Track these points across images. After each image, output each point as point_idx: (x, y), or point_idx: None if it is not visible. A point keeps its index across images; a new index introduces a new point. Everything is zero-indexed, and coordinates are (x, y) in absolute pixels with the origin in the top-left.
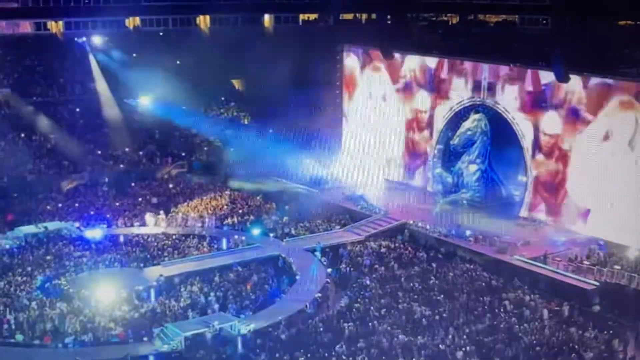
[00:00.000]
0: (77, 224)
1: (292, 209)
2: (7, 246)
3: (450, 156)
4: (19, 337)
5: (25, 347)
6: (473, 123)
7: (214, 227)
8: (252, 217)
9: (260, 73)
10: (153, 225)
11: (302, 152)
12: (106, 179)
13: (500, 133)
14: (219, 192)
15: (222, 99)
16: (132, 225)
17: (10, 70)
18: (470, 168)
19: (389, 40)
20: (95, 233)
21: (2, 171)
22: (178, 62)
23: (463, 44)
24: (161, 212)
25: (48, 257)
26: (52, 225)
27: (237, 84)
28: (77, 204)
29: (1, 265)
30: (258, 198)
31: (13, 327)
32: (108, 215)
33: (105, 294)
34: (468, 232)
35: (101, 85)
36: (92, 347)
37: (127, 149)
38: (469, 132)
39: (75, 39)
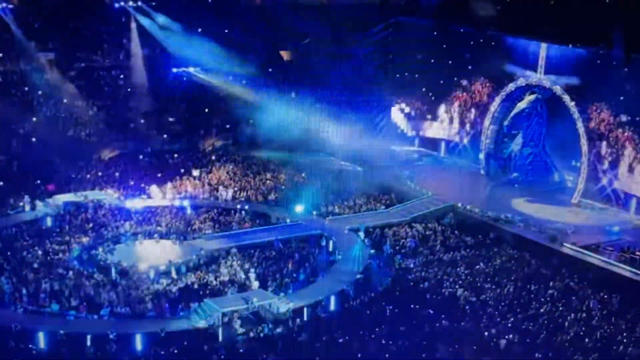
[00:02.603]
0: (116, 194)
1: (336, 187)
2: (46, 214)
3: (503, 137)
4: (55, 307)
5: (60, 317)
6: (528, 104)
7: (256, 202)
8: (295, 194)
9: (310, 44)
10: (159, 197)
11: (349, 127)
12: (149, 149)
13: (555, 115)
14: (262, 166)
15: (270, 70)
16: (173, 197)
17: (55, 34)
18: (523, 151)
19: (444, 12)
20: (135, 203)
21: (44, 137)
22: (226, 30)
23: (519, 20)
24: (168, 183)
25: (86, 227)
26: (92, 195)
27: (285, 55)
28: (117, 174)
29: (39, 233)
30: (302, 175)
31: (49, 296)
32: (149, 186)
33: (143, 266)
34: (518, 218)
35: (145, 52)
36: (128, 320)
37: (170, 119)
38: (524, 113)
39: (122, 3)
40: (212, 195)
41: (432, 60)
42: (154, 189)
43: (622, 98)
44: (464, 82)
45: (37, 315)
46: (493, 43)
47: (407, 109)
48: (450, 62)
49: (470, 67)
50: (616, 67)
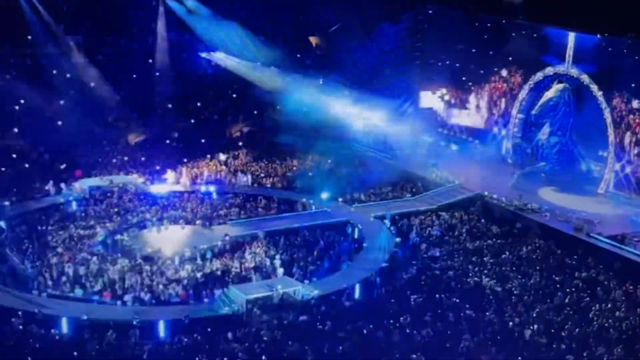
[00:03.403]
0: (142, 179)
1: (362, 174)
2: (71, 198)
3: (530, 126)
4: (79, 292)
5: (84, 302)
6: (556, 93)
7: (282, 188)
8: (320, 181)
9: (338, 30)
10: (172, 182)
11: (376, 114)
12: (175, 134)
13: (582, 104)
14: (288, 152)
15: (298, 56)
16: (198, 183)
17: (83, 17)
18: (550, 140)
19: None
20: (160, 188)
21: (70, 121)
22: (255, 15)
23: (548, 9)
24: (183, 168)
25: (111, 212)
26: (118, 179)
27: (313, 40)
28: (143, 158)
29: (64, 217)
30: (329, 161)
31: (72, 280)
32: (175, 171)
33: (168, 252)
34: (544, 207)
35: (173, 36)
36: (152, 306)
37: (198, 104)
38: (551, 103)
39: None
40: (230, 181)
41: (473, 50)
42: (169, 174)
43: (633, 85)
44: (504, 73)
45: (61, 300)
46: (535, 35)
47: (447, 96)
48: (491, 52)
49: (510, 58)
50: (631, 55)
